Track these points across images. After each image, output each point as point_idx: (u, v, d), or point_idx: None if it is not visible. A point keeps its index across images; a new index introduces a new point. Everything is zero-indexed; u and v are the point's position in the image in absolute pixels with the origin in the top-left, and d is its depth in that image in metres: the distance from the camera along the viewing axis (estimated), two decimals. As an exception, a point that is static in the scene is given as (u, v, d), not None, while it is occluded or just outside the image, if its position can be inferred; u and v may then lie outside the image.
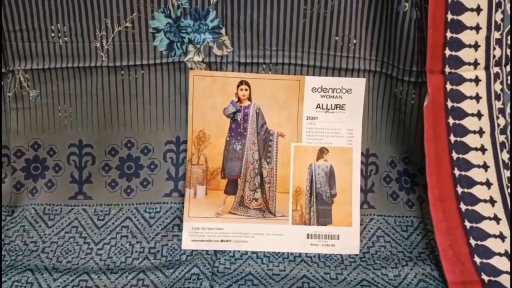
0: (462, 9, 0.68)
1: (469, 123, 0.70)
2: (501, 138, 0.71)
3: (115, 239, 0.73)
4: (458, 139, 0.70)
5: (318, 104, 0.73)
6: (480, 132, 0.70)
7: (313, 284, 0.66)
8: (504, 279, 0.64)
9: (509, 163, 0.70)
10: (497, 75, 0.70)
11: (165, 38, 0.74)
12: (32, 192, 0.78)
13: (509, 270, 0.65)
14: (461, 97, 0.70)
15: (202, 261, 0.68)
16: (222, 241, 0.72)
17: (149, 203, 0.77)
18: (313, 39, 0.72)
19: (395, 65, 0.73)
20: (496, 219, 0.68)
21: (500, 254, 0.66)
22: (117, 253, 0.71)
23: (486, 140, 0.70)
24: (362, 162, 0.75)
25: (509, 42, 0.70)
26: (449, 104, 0.70)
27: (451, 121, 0.70)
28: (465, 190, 0.69)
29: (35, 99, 0.77)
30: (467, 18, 0.68)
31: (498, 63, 0.70)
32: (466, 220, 0.68)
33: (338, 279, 0.67)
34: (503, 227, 0.68)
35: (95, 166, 0.78)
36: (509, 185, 0.70)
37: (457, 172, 0.70)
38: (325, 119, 0.73)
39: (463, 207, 0.69)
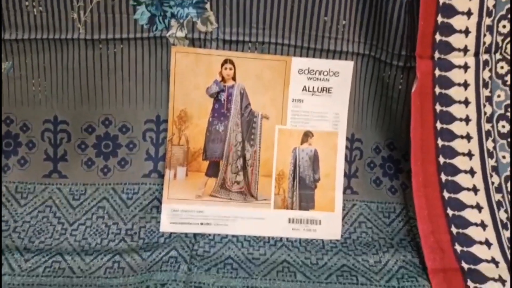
0: (455, -7, 0.67)
1: (456, 110, 0.70)
2: (487, 126, 0.71)
3: (91, 219, 0.71)
4: (444, 126, 0.70)
5: (305, 86, 0.72)
6: (467, 120, 0.70)
7: (293, 269, 0.66)
8: (483, 267, 0.65)
9: (494, 152, 0.70)
10: (486, 63, 0.70)
11: (146, 11, 0.72)
12: (3, 169, 0.76)
13: (488, 258, 0.65)
14: (450, 83, 0.70)
15: (180, 244, 0.68)
16: (202, 224, 0.71)
17: (127, 184, 0.75)
18: (301, 18, 0.71)
19: (384, 49, 0.72)
20: (478, 207, 0.69)
21: (480, 243, 0.67)
22: (92, 234, 0.70)
23: (472, 128, 0.70)
24: (346, 147, 0.75)
25: (500, 29, 0.69)
26: (437, 90, 0.70)
27: (438, 107, 0.70)
28: (449, 177, 0.70)
29: (8, 71, 0.74)
30: (459, 3, 0.67)
31: (487, 50, 0.70)
32: (448, 208, 0.69)
33: (319, 264, 0.67)
34: (485, 215, 0.69)
35: (71, 144, 0.76)
36: (493, 174, 0.70)
37: (441, 160, 0.70)
38: (311, 102, 0.72)
39: (446, 194, 0.69)
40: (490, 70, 0.70)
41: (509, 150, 0.71)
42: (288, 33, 0.72)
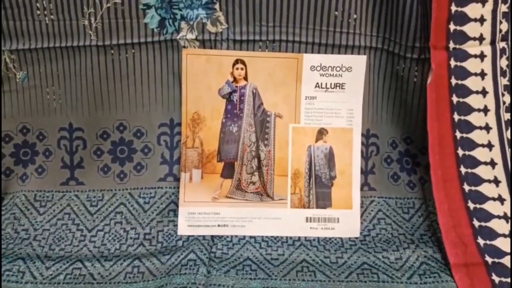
0: (468, -20, 0.66)
1: (474, 101, 0.69)
2: (506, 116, 0.69)
3: (109, 225, 0.72)
4: (462, 117, 0.69)
5: (317, 83, 0.71)
6: (485, 110, 0.69)
7: (313, 268, 0.65)
8: (508, 260, 0.63)
9: (515, 141, 0.69)
10: (503, 51, 0.69)
11: (156, 15, 0.71)
12: (22, 178, 0.76)
13: (513, 251, 0.64)
14: (466, 73, 0.69)
15: (198, 247, 0.67)
16: (219, 226, 0.71)
17: (143, 188, 0.75)
18: (312, 14, 0.70)
19: (397, 41, 0.71)
20: (501, 199, 0.67)
21: (504, 236, 0.66)
22: (111, 239, 0.70)
23: (491, 119, 0.69)
24: (362, 143, 0.74)
25: (516, 15, 0.67)
26: (453, 81, 0.69)
27: (455, 99, 0.69)
28: (469, 170, 0.68)
29: (22, 81, 0.75)
30: None
31: (504, 38, 0.68)
32: (469, 201, 0.67)
33: (338, 263, 0.66)
34: (508, 207, 0.67)
35: (87, 151, 0.76)
36: (514, 164, 0.68)
37: (460, 152, 0.69)
38: (324, 99, 0.71)
39: (466, 187, 0.68)
40: (508, 58, 0.69)
41: (530, 139, 0.69)
42: (299, 30, 0.71)
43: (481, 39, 0.67)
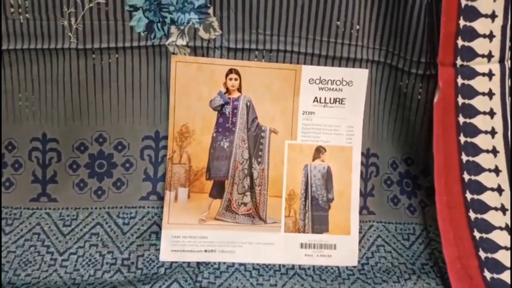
0: (477, -7, 0.65)
1: (481, 122, 0.67)
2: (515, 139, 0.67)
3: (83, 248, 0.67)
4: (469, 139, 0.67)
5: (316, 97, 0.69)
6: (492, 133, 0.67)
7: (308, 300, 0.60)
8: (517, 295, 0.60)
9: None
10: (512, 70, 0.67)
11: (143, 17, 0.69)
12: (-14, 193, 0.72)
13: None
14: (473, 93, 0.67)
15: (183, 275, 0.63)
16: (206, 251, 0.67)
17: (123, 207, 0.71)
18: (312, 23, 0.69)
19: (401, 56, 0.70)
20: (508, 229, 0.65)
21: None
22: (85, 264, 0.65)
23: (498, 142, 0.67)
24: (362, 163, 0.72)
25: (527, 33, 0.66)
26: (460, 100, 0.67)
27: (461, 119, 0.67)
28: (475, 196, 0.66)
29: (-8, 84, 0.72)
30: (483, 4, 0.65)
31: (514, 56, 0.67)
32: (475, 230, 0.65)
33: (335, 295, 0.62)
34: (516, 237, 0.64)
35: (61, 164, 0.72)
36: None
37: (466, 177, 0.67)
38: (323, 115, 0.69)
39: (472, 215, 0.66)
40: (517, 78, 0.67)
41: (540, 165, 0.67)
42: (298, 40, 0.69)
43: (489, 56, 0.66)
